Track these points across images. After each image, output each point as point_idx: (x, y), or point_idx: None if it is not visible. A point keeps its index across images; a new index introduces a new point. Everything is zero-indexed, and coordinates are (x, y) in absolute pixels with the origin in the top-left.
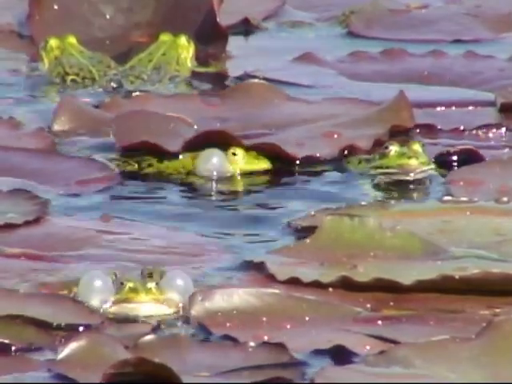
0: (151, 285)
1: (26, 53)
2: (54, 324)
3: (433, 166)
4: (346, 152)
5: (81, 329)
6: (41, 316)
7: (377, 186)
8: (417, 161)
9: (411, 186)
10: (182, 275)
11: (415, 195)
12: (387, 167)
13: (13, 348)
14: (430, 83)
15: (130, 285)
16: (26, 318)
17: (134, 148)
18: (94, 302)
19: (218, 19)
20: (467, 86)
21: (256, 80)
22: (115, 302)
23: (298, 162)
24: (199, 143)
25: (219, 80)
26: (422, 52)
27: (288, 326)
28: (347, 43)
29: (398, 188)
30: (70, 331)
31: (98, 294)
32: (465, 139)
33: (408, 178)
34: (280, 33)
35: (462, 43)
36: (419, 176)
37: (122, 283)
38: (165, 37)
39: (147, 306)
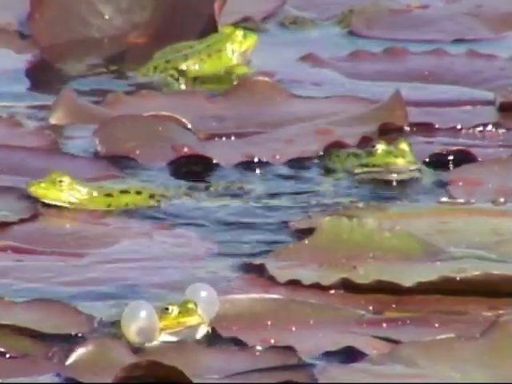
0: (191, 305)
1: (26, 52)
2: (48, 333)
3: (420, 165)
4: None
5: (79, 334)
6: (33, 325)
7: (361, 185)
8: (403, 160)
9: (407, 186)
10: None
11: (413, 196)
12: (373, 165)
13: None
14: (431, 82)
15: (177, 309)
16: (19, 328)
17: (119, 158)
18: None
19: (217, 20)
20: (468, 85)
21: (259, 78)
22: (164, 329)
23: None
24: None
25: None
26: (423, 51)
27: (293, 328)
28: (348, 43)
29: (385, 187)
30: (67, 340)
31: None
32: (462, 138)
33: (393, 176)
34: (280, 32)
35: (462, 43)
36: (405, 176)
37: (166, 308)
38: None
39: (197, 327)
